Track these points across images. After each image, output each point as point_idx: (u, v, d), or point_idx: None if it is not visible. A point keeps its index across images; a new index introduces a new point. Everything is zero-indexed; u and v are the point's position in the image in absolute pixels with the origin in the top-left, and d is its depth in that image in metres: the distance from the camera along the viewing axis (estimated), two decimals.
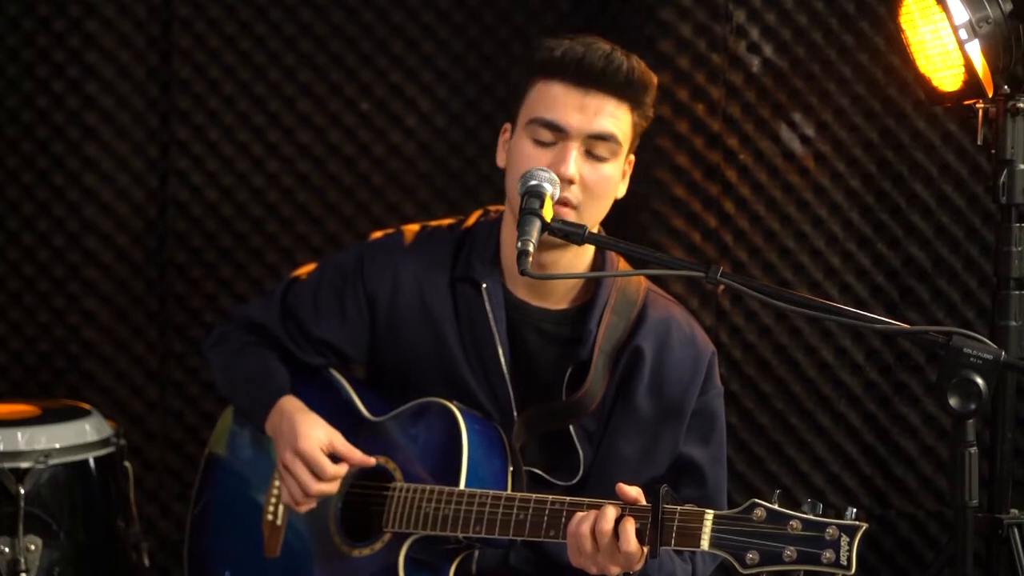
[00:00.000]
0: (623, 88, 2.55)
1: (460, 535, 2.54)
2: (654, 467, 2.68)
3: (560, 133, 2.54)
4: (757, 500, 2.27)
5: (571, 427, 2.68)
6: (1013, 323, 3.05)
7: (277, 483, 2.79)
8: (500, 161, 2.67)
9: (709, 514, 2.30)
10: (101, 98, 3.84)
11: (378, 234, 2.84)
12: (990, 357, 2.17)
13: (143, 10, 3.85)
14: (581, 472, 2.69)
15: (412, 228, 2.81)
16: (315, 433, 2.65)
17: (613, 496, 2.40)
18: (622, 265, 2.72)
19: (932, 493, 3.80)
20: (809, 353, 3.76)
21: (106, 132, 3.85)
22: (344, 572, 2.68)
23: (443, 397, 2.66)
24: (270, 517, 2.80)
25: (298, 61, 3.87)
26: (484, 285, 2.67)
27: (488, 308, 2.66)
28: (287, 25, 3.87)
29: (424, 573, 2.62)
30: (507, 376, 2.66)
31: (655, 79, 2.61)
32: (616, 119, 2.56)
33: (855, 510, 2.24)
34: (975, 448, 2.21)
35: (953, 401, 2.18)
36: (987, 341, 2.19)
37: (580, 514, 2.41)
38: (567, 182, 2.52)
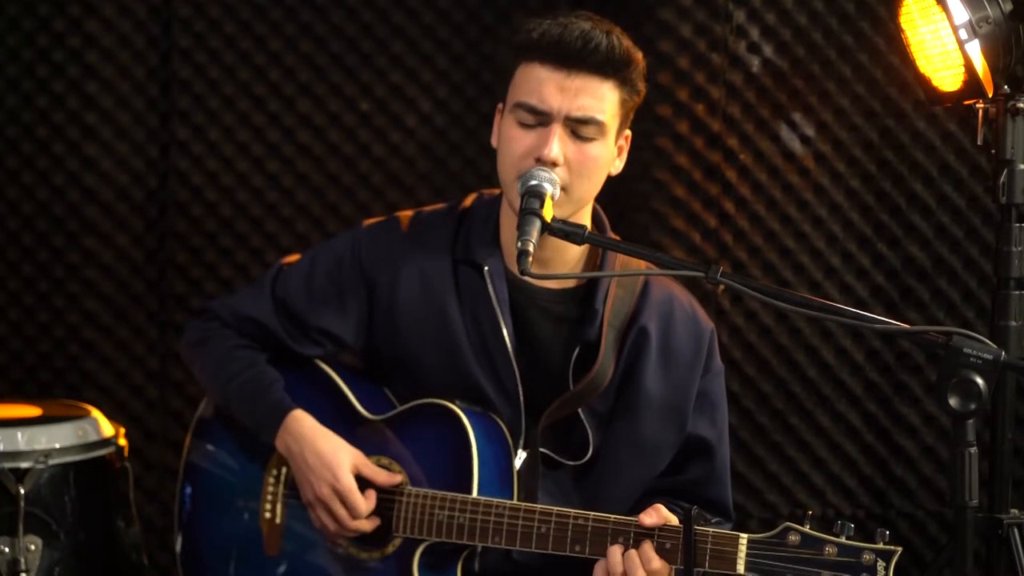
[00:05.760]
0: (604, 66, 2.51)
1: (478, 545, 2.53)
2: (662, 448, 2.68)
3: (542, 116, 2.52)
4: (791, 524, 2.29)
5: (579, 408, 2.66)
6: (1013, 323, 3.06)
7: (272, 480, 2.76)
8: (494, 141, 2.64)
9: (743, 538, 2.32)
10: (101, 98, 3.84)
11: (371, 221, 2.79)
12: (990, 357, 2.16)
13: (143, 10, 3.85)
14: (590, 452, 2.65)
15: (407, 214, 2.76)
16: (346, 465, 2.61)
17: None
18: (621, 259, 2.71)
19: (932, 493, 3.80)
20: (809, 353, 3.76)
21: (106, 132, 3.85)
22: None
23: (444, 394, 2.62)
24: (267, 515, 2.76)
25: (298, 61, 3.87)
26: (486, 267, 2.63)
27: (491, 290, 2.62)
28: (287, 25, 3.87)
29: (434, 575, 2.60)
30: (512, 359, 2.62)
31: (638, 54, 2.56)
32: (599, 99, 2.51)
33: (887, 532, 2.26)
34: (975, 448, 2.21)
35: (953, 401, 2.17)
36: (987, 341, 2.19)
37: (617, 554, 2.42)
38: (551, 164, 2.50)
